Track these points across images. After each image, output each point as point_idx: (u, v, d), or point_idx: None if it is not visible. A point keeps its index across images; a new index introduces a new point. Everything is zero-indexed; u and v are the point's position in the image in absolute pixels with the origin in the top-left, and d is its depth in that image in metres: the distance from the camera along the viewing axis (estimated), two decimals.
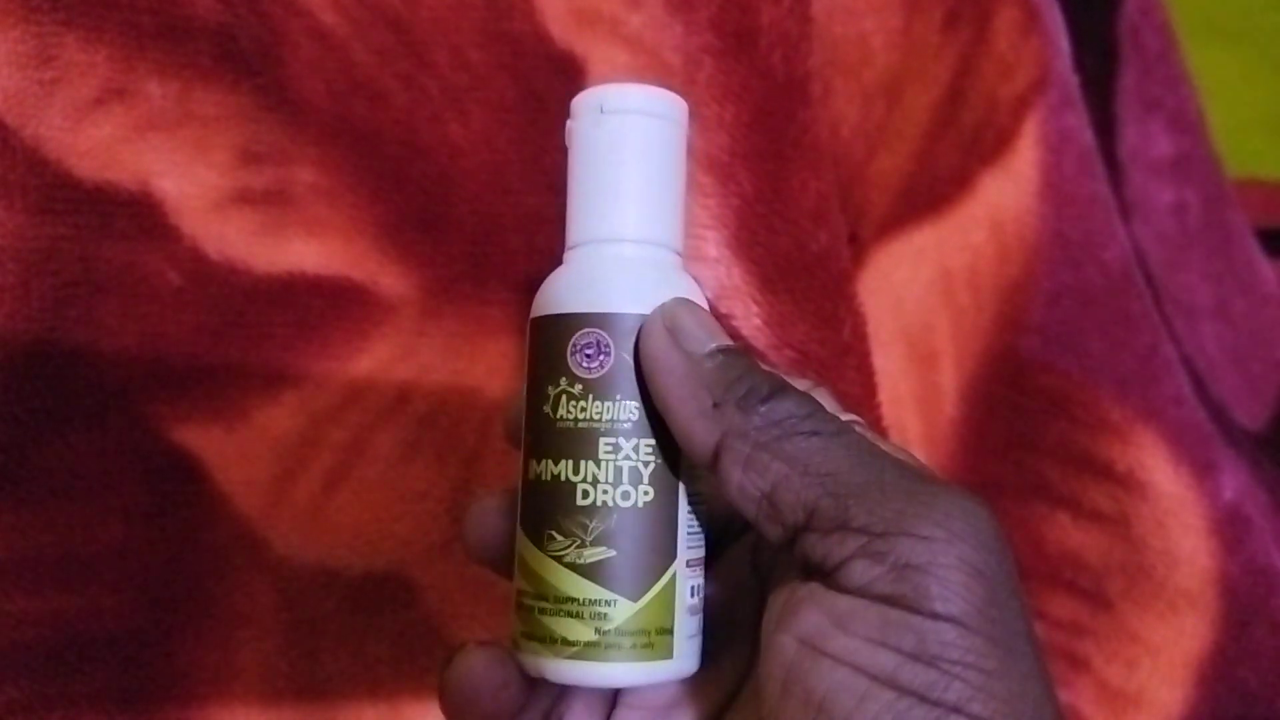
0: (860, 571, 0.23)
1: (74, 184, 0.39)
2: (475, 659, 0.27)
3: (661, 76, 0.46)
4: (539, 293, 0.29)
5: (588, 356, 0.27)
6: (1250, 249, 0.70)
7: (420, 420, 0.43)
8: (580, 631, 0.27)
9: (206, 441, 0.40)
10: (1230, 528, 0.54)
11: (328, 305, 0.42)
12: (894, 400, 0.53)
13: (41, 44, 0.38)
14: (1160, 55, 0.66)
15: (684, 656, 0.27)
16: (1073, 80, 0.58)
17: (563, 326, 0.28)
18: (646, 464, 0.27)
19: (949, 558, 0.23)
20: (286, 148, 0.41)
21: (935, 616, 0.22)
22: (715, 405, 0.25)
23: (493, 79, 0.44)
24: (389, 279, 0.43)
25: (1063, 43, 0.58)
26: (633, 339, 0.27)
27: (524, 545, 0.28)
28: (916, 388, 0.55)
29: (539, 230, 0.44)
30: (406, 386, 0.43)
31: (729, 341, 0.27)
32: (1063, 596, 0.54)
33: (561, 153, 0.43)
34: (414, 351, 0.43)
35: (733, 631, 0.29)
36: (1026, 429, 0.55)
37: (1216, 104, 0.70)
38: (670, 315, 0.27)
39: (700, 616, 0.28)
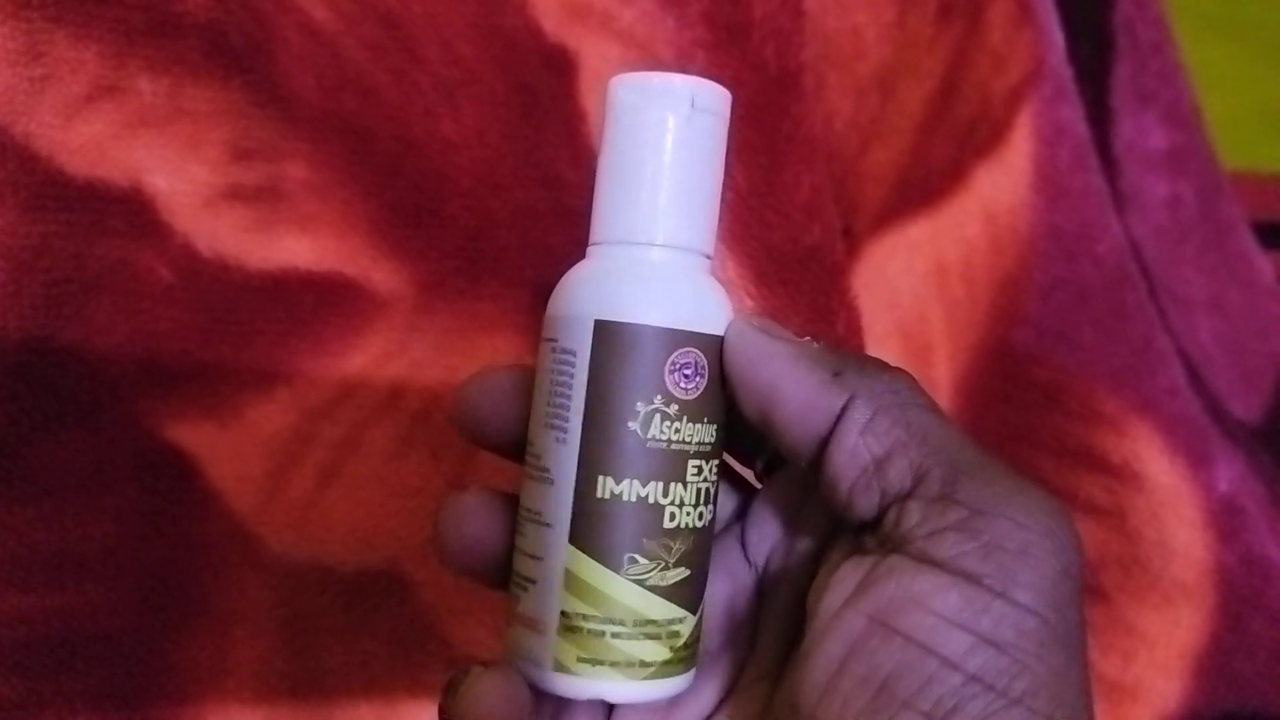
0: (952, 543, 0.23)
1: (65, 181, 0.38)
2: (488, 684, 0.26)
3: (653, 70, 0.45)
4: (594, 290, 0.27)
5: (686, 376, 0.26)
6: (1245, 241, 0.70)
7: (414, 416, 0.43)
8: (657, 652, 0.26)
9: (199, 438, 0.40)
10: (1226, 519, 0.54)
11: (320, 301, 0.42)
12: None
13: (31, 41, 0.38)
14: (1155, 47, 0.66)
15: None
16: (1067, 73, 0.58)
17: (658, 341, 0.26)
18: (714, 484, 0.27)
19: (1042, 550, 0.23)
20: (278, 144, 0.41)
21: (1018, 604, 0.22)
22: (836, 374, 0.25)
23: (485, 74, 0.44)
24: (381, 275, 0.43)
25: (1056, 35, 0.58)
26: (716, 360, 0.27)
27: (584, 566, 0.26)
28: None
29: (532, 225, 0.44)
30: (400, 383, 0.43)
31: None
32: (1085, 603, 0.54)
33: (555, 148, 0.42)
34: (407, 347, 0.43)
35: (729, 624, 0.29)
36: (1021, 421, 0.55)
37: (1212, 96, 0.70)
38: (758, 317, 0.27)
39: None
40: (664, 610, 0.26)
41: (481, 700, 0.26)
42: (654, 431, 0.26)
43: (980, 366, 0.55)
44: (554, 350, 0.27)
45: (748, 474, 0.31)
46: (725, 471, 0.30)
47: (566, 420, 0.26)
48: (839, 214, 0.50)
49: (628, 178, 0.27)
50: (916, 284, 0.54)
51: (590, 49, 0.45)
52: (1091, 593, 0.54)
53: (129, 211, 0.39)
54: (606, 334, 0.26)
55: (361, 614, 0.42)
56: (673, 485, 0.26)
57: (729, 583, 0.29)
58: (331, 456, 0.42)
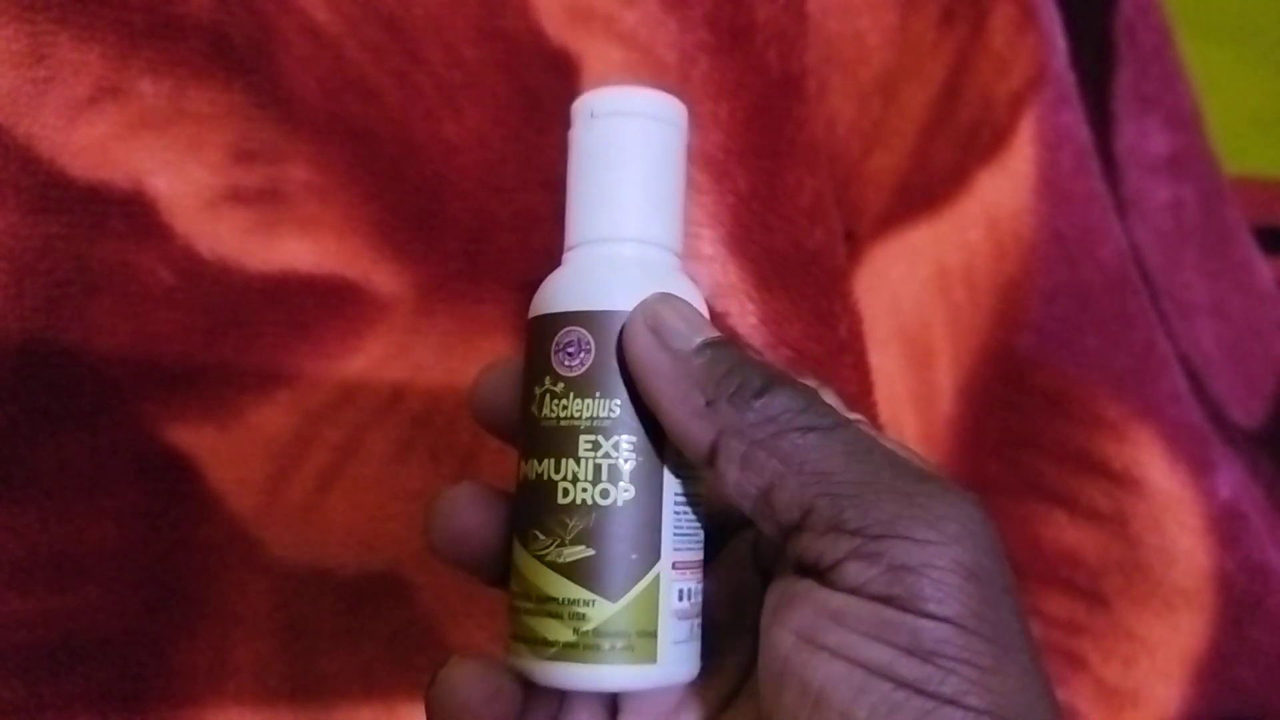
0: (855, 573, 0.23)
1: (67, 183, 0.38)
2: (461, 672, 0.27)
3: (656, 74, 0.46)
4: (535, 294, 0.29)
5: (569, 354, 0.27)
6: (1247, 246, 0.70)
7: (414, 419, 0.43)
8: (560, 632, 0.27)
9: (200, 441, 0.40)
10: (1227, 525, 0.54)
11: (321, 304, 0.42)
12: (890, 398, 0.53)
13: (35, 43, 0.38)
14: (1157, 52, 0.66)
15: (671, 662, 0.27)
16: (1069, 77, 0.58)
17: (548, 326, 0.28)
18: (627, 461, 0.27)
19: (943, 560, 0.23)
20: (279, 146, 0.41)
21: (930, 617, 0.22)
22: (708, 403, 0.25)
23: (487, 76, 0.44)
24: (382, 277, 0.43)
25: (1059, 40, 0.58)
26: (615, 336, 0.27)
27: (514, 546, 0.28)
28: (913, 386, 0.55)
29: (533, 228, 0.44)
30: (400, 385, 0.43)
31: (715, 333, 0.26)
32: (1059, 595, 0.54)
33: (557, 150, 0.42)
34: (408, 350, 0.43)
35: (735, 628, 0.29)
36: (1023, 427, 0.55)
37: (1213, 101, 0.70)
38: (651, 312, 0.26)
39: (694, 621, 0.27)
40: (563, 589, 0.27)
41: (455, 688, 0.27)
42: (545, 411, 0.27)
43: (982, 371, 0.55)
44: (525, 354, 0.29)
45: None
46: None
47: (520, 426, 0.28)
48: (841, 218, 0.50)
49: (569, 190, 0.29)
50: (918, 288, 0.54)
51: (592, 52, 0.45)
52: (1093, 598, 0.54)
53: (130, 213, 0.39)
54: (527, 330, 0.28)
55: (361, 617, 0.42)
56: (564, 461, 0.27)
57: (736, 588, 0.29)
58: (332, 459, 0.42)
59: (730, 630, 0.29)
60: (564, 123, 0.38)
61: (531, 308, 0.28)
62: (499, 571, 0.29)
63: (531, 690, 0.28)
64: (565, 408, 0.27)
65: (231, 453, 0.41)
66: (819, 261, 0.47)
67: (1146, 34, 0.66)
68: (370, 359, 0.43)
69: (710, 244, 0.46)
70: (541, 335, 0.28)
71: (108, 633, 0.39)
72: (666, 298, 0.26)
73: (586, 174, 0.29)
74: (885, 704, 0.22)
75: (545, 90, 0.45)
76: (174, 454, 0.40)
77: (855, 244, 0.53)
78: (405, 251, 0.43)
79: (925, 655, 0.22)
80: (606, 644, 0.27)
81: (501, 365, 0.29)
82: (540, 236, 0.44)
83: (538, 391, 0.27)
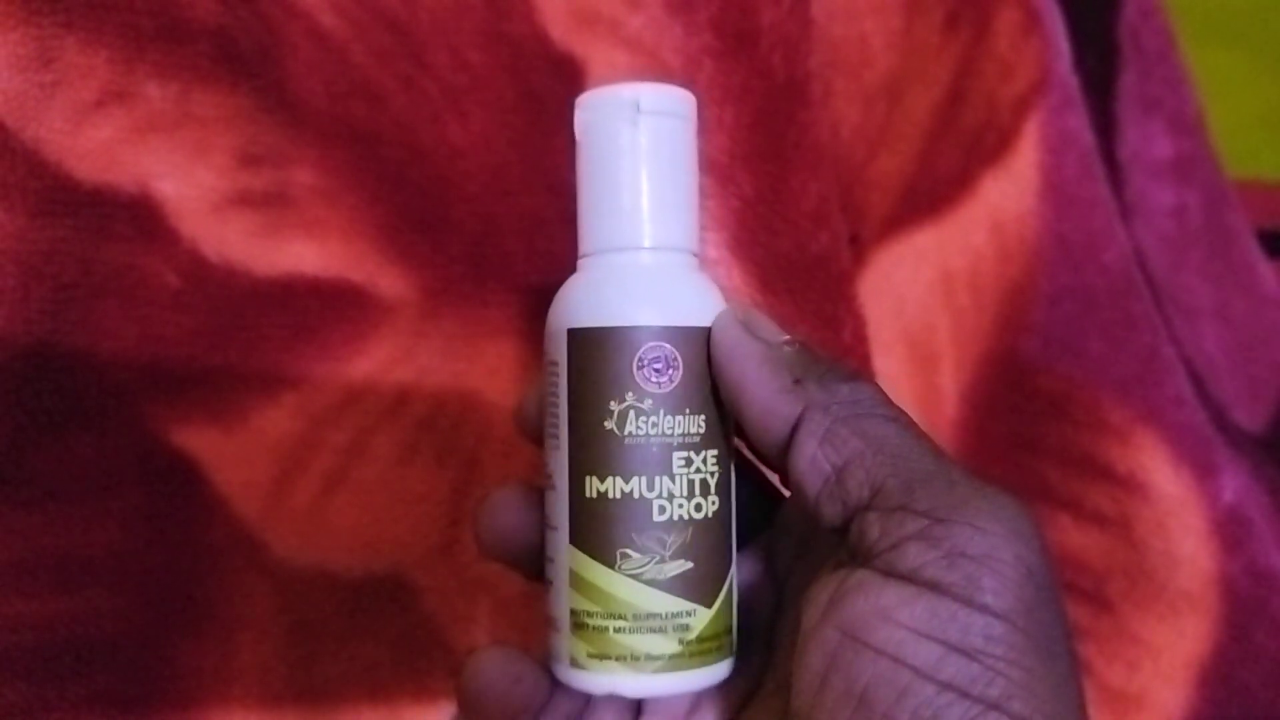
0: (914, 554, 0.23)
1: (73, 186, 0.38)
2: (488, 659, 0.28)
3: (661, 78, 0.46)
4: (571, 301, 0.28)
5: (656, 370, 0.27)
6: (1250, 250, 0.70)
7: (419, 422, 0.43)
8: (664, 645, 0.27)
9: (205, 443, 0.40)
10: (1231, 529, 0.54)
11: (326, 307, 0.42)
12: (895, 401, 0.53)
13: (41, 46, 0.38)
14: (1161, 56, 0.66)
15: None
16: (1073, 81, 0.58)
17: (626, 340, 0.27)
18: (713, 475, 0.27)
19: (1005, 553, 0.23)
20: (285, 149, 0.41)
21: (985, 610, 0.22)
22: (797, 381, 0.26)
23: (492, 80, 0.44)
24: (388, 280, 0.43)
25: (1063, 44, 0.58)
26: (697, 350, 0.27)
27: (584, 565, 0.27)
28: (917, 389, 0.55)
29: (539, 232, 0.44)
30: (405, 388, 0.43)
31: (799, 339, 0.27)
32: (1063, 598, 0.54)
33: (562, 154, 0.42)
34: (413, 353, 0.43)
35: (750, 632, 0.29)
36: (1027, 430, 0.55)
37: (1217, 105, 0.70)
38: (743, 310, 0.27)
39: None
40: (666, 604, 0.27)
41: (480, 674, 0.27)
42: (630, 428, 0.27)
43: (986, 375, 0.55)
44: (545, 364, 0.28)
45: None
46: (758, 481, 0.31)
47: (558, 428, 0.28)
48: (845, 222, 0.50)
49: (596, 190, 0.29)
50: (923, 292, 0.54)
51: (598, 56, 0.45)
52: (1097, 602, 0.54)
53: (137, 216, 0.39)
54: (578, 341, 0.27)
55: (366, 620, 0.42)
56: (658, 479, 0.27)
57: (750, 592, 0.29)
58: (337, 462, 0.42)
59: (747, 634, 0.29)
60: (568, 126, 0.38)
61: (573, 315, 0.28)
62: (537, 566, 0.30)
63: (554, 685, 0.28)
64: (655, 425, 0.27)
65: (237, 455, 0.41)
66: (823, 265, 0.47)
67: (1150, 37, 0.66)
68: (375, 362, 0.43)
69: (714, 248, 0.46)
70: (616, 350, 0.27)
71: (112, 635, 0.39)
72: (749, 305, 0.28)
73: (621, 176, 0.28)
74: (928, 708, 0.22)
75: (550, 94, 0.45)
76: (179, 456, 0.40)
77: (859, 248, 0.53)
78: (410, 255, 0.43)
79: (973, 653, 0.22)
80: (705, 648, 0.27)
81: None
82: (545, 240, 0.44)
83: (617, 408, 0.27)
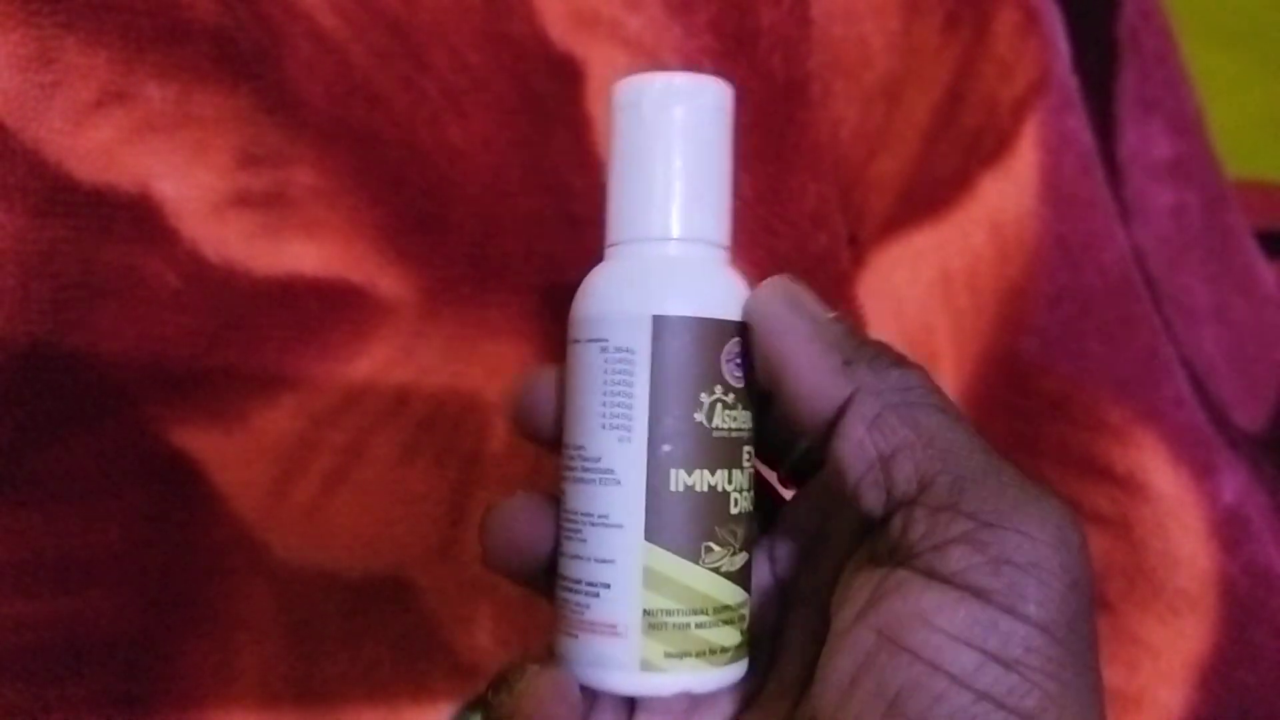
0: (959, 557, 0.23)
1: (73, 186, 0.39)
2: (546, 682, 0.26)
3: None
4: (651, 287, 0.27)
5: (738, 365, 0.27)
6: (1250, 251, 0.70)
7: (419, 423, 0.43)
8: (731, 636, 0.27)
9: (205, 444, 0.40)
10: (1230, 529, 0.54)
11: (326, 307, 0.42)
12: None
13: (42, 47, 0.38)
14: (1160, 57, 0.66)
15: None
16: (1072, 82, 0.58)
17: (716, 332, 0.27)
18: (754, 469, 0.28)
19: (1053, 564, 0.22)
20: (285, 150, 0.41)
21: (1027, 620, 0.22)
22: (846, 363, 0.25)
23: (492, 81, 0.44)
24: (388, 281, 0.43)
25: (1062, 45, 0.58)
26: (749, 346, 0.27)
27: (664, 561, 0.26)
28: None
29: (538, 232, 0.44)
30: (405, 389, 0.43)
31: (842, 315, 0.26)
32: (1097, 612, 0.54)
33: (562, 155, 0.42)
34: (413, 354, 0.43)
35: (753, 634, 0.29)
36: (1026, 431, 0.55)
37: (1216, 105, 0.70)
38: (784, 285, 0.27)
39: None
40: (735, 594, 0.27)
41: (539, 700, 0.26)
42: (717, 421, 0.26)
43: (985, 376, 0.55)
44: (604, 350, 0.27)
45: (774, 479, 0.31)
46: (756, 484, 0.31)
47: (630, 419, 0.26)
48: (845, 222, 0.50)
49: (643, 176, 0.28)
50: (922, 293, 0.54)
51: (597, 57, 0.45)
52: (1096, 602, 0.54)
53: (137, 217, 0.39)
54: (666, 329, 0.26)
55: (366, 620, 0.42)
56: (734, 472, 0.27)
57: (754, 595, 0.29)
58: (337, 462, 0.42)
59: (751, 636, 0.29)
60: (569, 127, 0.38)
61: (653, 303, 0.27)
62: (549, 578, 0.28)
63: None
64: (735, 419, 0.27)
65: (237, 456, 0.41)
66: (823, 266, 0.47)
67: (1149, 38, 0.66)
68: (375, 362, 0.43)
69: None
70: (706, 340, 0.26)
71: (113, 635, 0.39)
72: (792, 278, 0.27)
73: (678, 164, 0.28)
74: (962, 715, 0.21)
75: (550, 95, 0.45)
76: (179, 457, 0.40)
77: (858, 248, 0.53)
78: (410, 255, 0.43)
79: (1012, 663, 0.22)
80: (749, 638, 0.28)
81: (542, 373, 0.29)
82: (545, 240, 0.44)
83: (707, 400, 0.26)
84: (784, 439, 0.28)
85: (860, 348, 0.25)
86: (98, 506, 0.39)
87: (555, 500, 0.29)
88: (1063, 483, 0.55)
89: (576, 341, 0.27)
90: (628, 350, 0.26)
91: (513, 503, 0.29)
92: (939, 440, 0.24)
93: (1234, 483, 0.55)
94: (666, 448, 0.26)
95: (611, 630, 0.26)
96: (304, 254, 0.42)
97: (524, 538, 0.28)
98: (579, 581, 0.27)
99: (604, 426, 0.27)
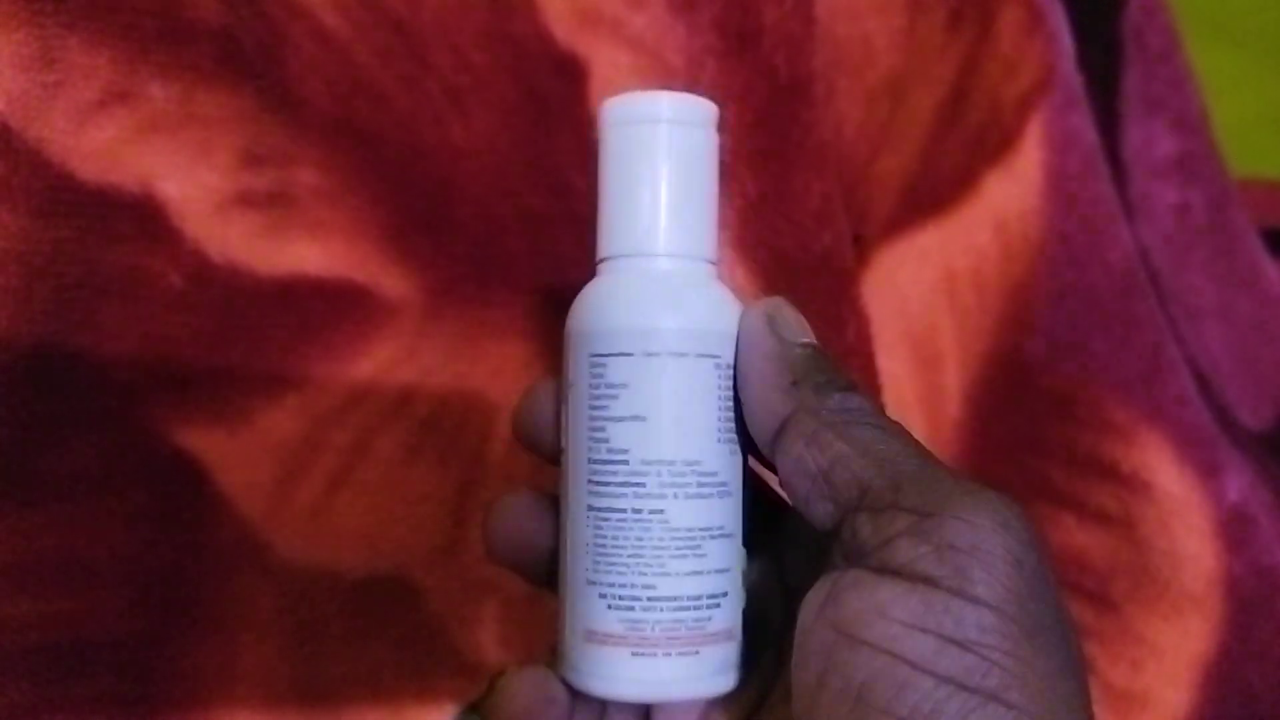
0: (905, 549, 0.23)
1: (76, 187, 0.38)
2: (519, 681, 0.28)
3: (664, 78, 0.46)
4: (730, 303, 0.29)
5: None
6: (1254, 249, 0.69)
7: (422, 423, 0.43)
8: None
9: (208, 444, 0.40)
10: (1235, 529, 0.54)
11: (329, 307, 0.42)
12: (898, 401, 0.53)
13: (44, 46, 0.38)
14: (1164, 55, 0.66)
15: None
16: (1077, 80, 0.58)
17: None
18: None
19: (993, 545, 0.23)
20: (288, 149, 0.41)
21: (975, 600, 0.22)
22: (794, 383, 0.27)
23: (495, 80, 0.44)
24: (391, 281, 0.43)
25: (1067, 42, 0.58)
26: None
27: (746, 563, 0.29)
28: (921, 389, 0.55)
29: (542, 232, 0.44)
30: (409, 389, 0.43)
31: (816, 343, 0.28)
32: (1067, 598, 0.54)
33: (565, 154, 0.42)
34: (416, 354, 0.43)
35: (761, 641, 0.29)
36: (1031, 430, 0.55)
37: (1220, 103, 0.70)
38: (774, 305, 0.28)
39: None
40: None
41: (524, 698, 0.28)
42: None
43: (990, 375, 0.55)
44: (718, 366, 0.28)
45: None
46: (768, 493, 0.31)
47: (734, 432, 0.28)
48: (849, 221, 0.50)
49: (631, 194, 0.29)
50: (926, 291, 0.54)
51: (601, 56, 0.45)
52: (1101, 602, 0.54)
53: (140, 217, 0.39)
54: (734, 345, 0.28)
55: (369, 620, 0.42)
56: None
57: (761, 602, 0.29)
58: (340, 463, 0.42)
59: (757, 642, 0.29)
60: (572, 126, 0.38)
61: (732, 319, 0.29)
62: (549, 572, 0.30)
63: (575, 697, 0.28)
64: None
65: (240, 456, 0.41)
66: (827, 265, 0.47)
67: (1154, 36, 0.66)
68: (378, 362, 0.43)
69: (718, 247, 0.46)
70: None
71: (116, 636, 0.39)
72: (786, 302, 0.28)
73: (686, 183, 0.29)
74: (928, 702, 0.22)
75: (553, 94, 0.45)
76: (183, 457, 0.40)
77: (863, 247, 0.53)
78: (413, 255, 0.43)
79: (967, 644, 0.22)
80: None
81: (542, 387, 0.30)
82: (549, 240, 0.44)
83: None
84: None
85: (812, 371, 0.27)
86: (101, 507, 0.39)
87: (556, 500, 0.29)
88: (1067, 482, 0.55)
89: (681, 355, 0.27)
90: (730, 366, 0.28)
91: (516, 498, 0.30)
92: (873, 450, 0.25)
93: (1239, 482, 0.55)
94: (748, 457, 0.28)
95: (729, 636, 0.28)
96: (307, 254, 0.42)
97: (526, 531, 0.29)
98: (699, 597, 0.27)
99: (719, 440, 0.28)
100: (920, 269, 0.54)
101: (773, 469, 0.30)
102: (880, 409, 0.27)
